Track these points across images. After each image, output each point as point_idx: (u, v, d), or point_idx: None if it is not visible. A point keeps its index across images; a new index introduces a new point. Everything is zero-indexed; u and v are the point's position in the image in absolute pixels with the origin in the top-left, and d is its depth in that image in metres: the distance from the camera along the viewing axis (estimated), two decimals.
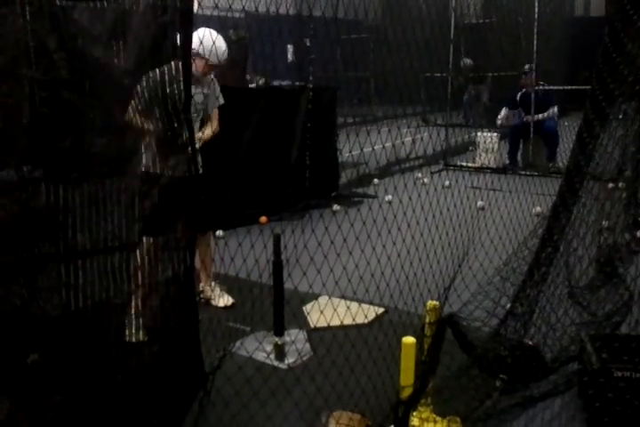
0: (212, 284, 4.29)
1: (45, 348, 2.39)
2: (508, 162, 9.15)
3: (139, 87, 2.57)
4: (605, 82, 2.80)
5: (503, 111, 9.14)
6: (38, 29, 2.34)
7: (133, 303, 2.62)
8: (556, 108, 8.83)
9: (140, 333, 2.59)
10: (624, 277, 3.32)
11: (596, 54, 2.91)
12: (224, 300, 4.24)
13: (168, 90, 2.48)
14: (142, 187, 2.54)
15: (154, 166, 2.71)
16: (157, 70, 2.51)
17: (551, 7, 11.64)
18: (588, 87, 3.04)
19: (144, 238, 2.71)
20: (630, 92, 3.02)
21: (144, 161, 2.78)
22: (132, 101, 2.60)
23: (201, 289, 4.26)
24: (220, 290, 4.28)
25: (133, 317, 2.61)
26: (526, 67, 8.80)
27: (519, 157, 9.11)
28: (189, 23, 2.34)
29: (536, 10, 8.87)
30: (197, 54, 3.74)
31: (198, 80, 3.84)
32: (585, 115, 2.91)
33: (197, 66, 3.76)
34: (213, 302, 4.23)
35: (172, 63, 2.45)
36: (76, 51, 2.46)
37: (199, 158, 3.73)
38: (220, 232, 5.29)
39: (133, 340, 2.59)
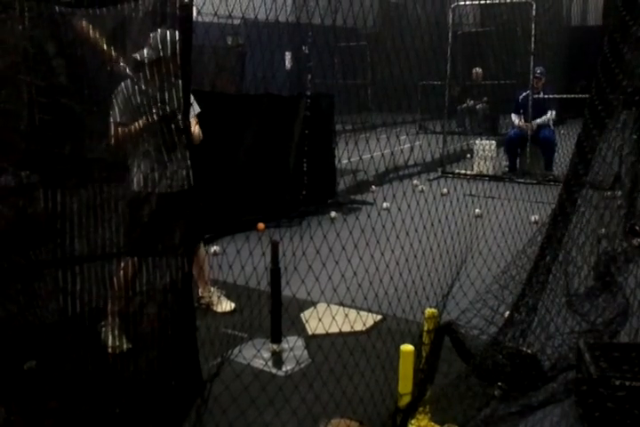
0: (212, 289, 4.27)
1: (42, 355, 2.38)
2: (507, 170, 9.17)
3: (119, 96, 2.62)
4: (604, 91, 2.81)
5: (514, 118, 9.15)
6: (37, 35, 2.34)
7: (116, 322, 2.62)
8: (553, 113, 8.83)
9: (124, 343, 2.58)
10: (622, 285, 3.32)
11: (593, 63, 2.92)
12: (224, 305, 4.22)
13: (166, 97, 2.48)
14: (134, 205, 2.55)
15: (146, 180, 2.72)
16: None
17: (548, 16, 11.72)
18: (585, 96, 3.05)
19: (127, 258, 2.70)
20: (629, 102, 3.03)
21: (137, 177, 2.79)
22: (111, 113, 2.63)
23: (200, 295, 4.25)
24: (220, 295, 4.27)
25: (119, 333, 2.61)
26: (538, 71, 8.82)
27: (518, 166, 9.13)
28: (189, 30, 2.35)
29: (533, 19, 8.92)
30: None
31: None
32: (584, 124, 2.91)
33: None
34: (214, 308, 4.21)
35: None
36: (75, 57, 2.46)
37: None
38: (216, 248, 5.26)
39: (117, 351, 2.59)
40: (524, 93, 8.93)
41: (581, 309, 3.20)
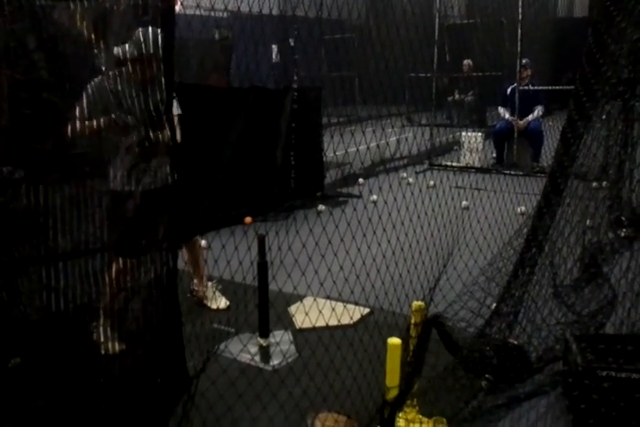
0: (208, 284, 4.24)
1: (27, 352, 2.36)
2: (495, 162, 9.17)
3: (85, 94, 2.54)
4: (589, 83, 2.80)
5: (502, 111, 9.15)
6: (18, 29, 2.30)
7: (102, 319, 2.59)
8: (542, 108, 8.84)
9: (116, 344, 2.56)
10: (608, 276, 3.33)
11: (580, 55, 2.91)
12: (218, 302, 4.18)
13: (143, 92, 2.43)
14: (117, 203, 2.52)
15: (129, 178, 2.69)
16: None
17: (535, 8, 11.71)
18: (571, 88, 3.05)
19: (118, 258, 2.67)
20: (614, 93, 3.03)
21: (119, 174, 2.76)
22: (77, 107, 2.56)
23: (195, 288, 4.22)
24: (215, 291, 4.24)
25: (104, 329, 2.59)
26: (523, 61, 8.81)
27: (505, 158, 9.14)
28: (171, 23, 2.31)
29: (520, 10, 8.91)
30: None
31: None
32: (569, 115, 2.91)
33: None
34: (208, 304, 4.18)
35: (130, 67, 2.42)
36: (56, 51, 2.43)
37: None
38: (203, 242, 5.24)
39: (110, 352, 2.57)
40: (512, 86, 8.92)
41: (568, 300, 3.21)
